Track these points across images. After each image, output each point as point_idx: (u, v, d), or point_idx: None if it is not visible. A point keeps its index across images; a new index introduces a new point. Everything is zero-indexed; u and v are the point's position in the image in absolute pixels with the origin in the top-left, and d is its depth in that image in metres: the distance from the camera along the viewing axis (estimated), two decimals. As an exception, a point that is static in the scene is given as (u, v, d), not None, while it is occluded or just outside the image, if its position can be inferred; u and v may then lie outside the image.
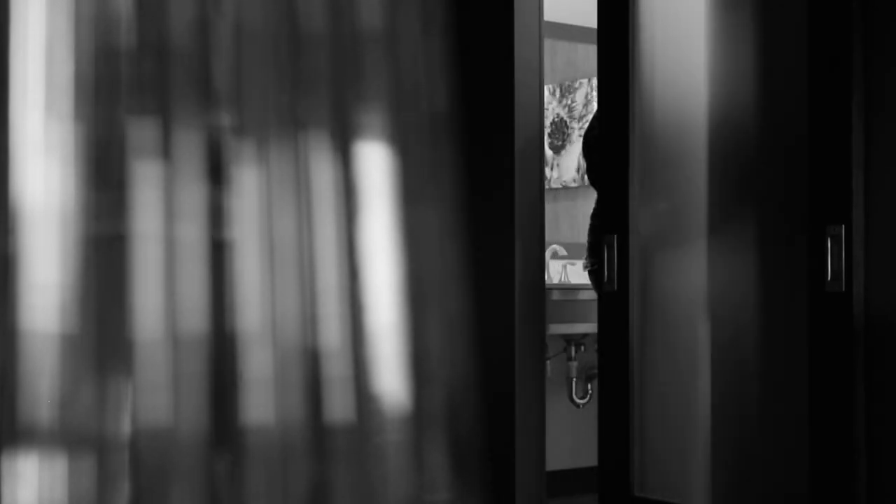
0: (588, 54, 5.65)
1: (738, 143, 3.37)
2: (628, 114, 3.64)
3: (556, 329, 4.94)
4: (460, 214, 3.67)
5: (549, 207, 5.59)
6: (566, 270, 5.48)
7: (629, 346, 3.62)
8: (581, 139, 5.61)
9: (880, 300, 3.03)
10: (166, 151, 3.10)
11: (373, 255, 3.42)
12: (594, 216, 4.63)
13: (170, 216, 3.09)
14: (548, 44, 5.53)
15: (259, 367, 3.21)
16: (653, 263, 3.60)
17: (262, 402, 3.22)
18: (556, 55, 5.58)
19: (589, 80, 5.57)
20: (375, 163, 3.44)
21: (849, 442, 3.04)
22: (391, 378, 3.43)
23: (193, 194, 3.13)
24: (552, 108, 5.63)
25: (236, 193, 3.21)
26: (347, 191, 3.37)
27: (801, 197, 3.19)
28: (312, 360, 3.30)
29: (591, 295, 5.03)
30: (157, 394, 3.06)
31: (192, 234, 3.13)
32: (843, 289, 3.06)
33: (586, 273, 4.94)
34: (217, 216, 3.17)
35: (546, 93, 5.63)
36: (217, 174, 3.18)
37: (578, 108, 5.60)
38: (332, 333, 3.33)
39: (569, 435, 5.25)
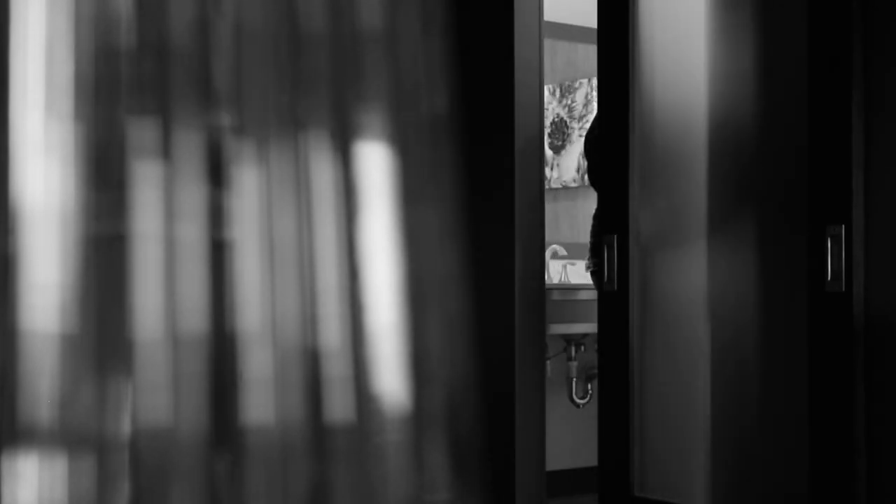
0: (588, 54, 5.65)
1: (738, 143, 3.37)
2: (628, 114, 3.64)
3: (556, 329, 4.94)
4: (460, 214, 3.67)
5: (549, 207, 5.59)
6: (566, 270, 5.48)
7: (629, 346, 3.62)
8: (581, 139, 5.60)
9: (880, 300, 3.03)
10: (166, 151, 3.10)
11: (373, 255, 3.42)
12: (596, 217, 4.63)
13: (170, 216, 3.09)
14: (548, 44, 5.53)
15: (259, 367, 3.21)
16: (653, 263, 3.60)
17: (262, 402, 3.22)
18: (556, 55, 5.59)
19: (589, 80, 5.57)
20: (375, 163, 3.44)
21: (849, 442, 3.04)
22: (391, 378, 3.43)
23: (193, 194, 3.13)
24: (552, 108, 5.63)
25: (236, 193, 3.21)
26: (347, 191, 3.37)
27: (801, 197, 3.19)
28: (312, 360, 3.30)
29: (591, 295, 5.03)
30: (157, 394, 3.06)
31: (192, 234, 3.13)
32: (843, 289, 3.06)
33: (589, 274, 4.94)
34: (217, 216, 3.17)
35: (546, 93, 5.63)
36: (217, 174, 3.18)
37: (578, 108, 5.60)
38: (332, 333, 3.33)
39: (569, 435, 5.25)
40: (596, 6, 5.55)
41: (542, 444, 3.98)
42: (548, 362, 5.19)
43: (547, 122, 5.61)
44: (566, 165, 5.61)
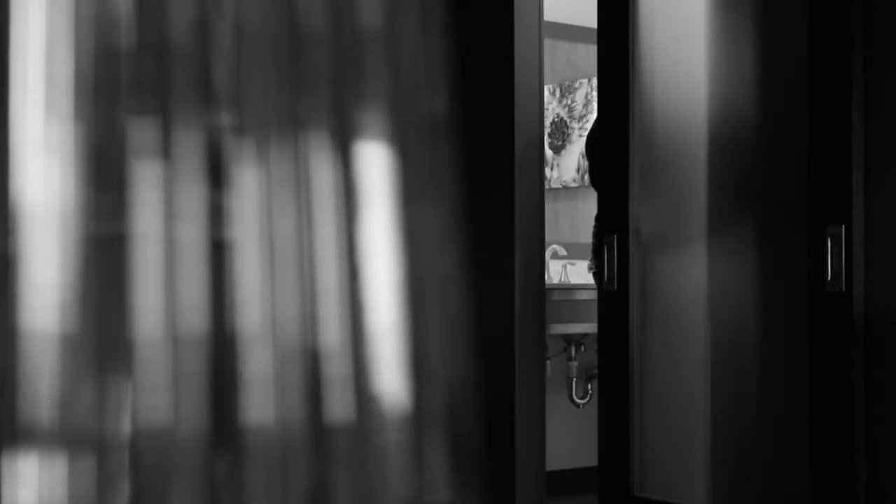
0: (588, 54, 5.65)
1: (738, 143, 3.37)
2: (628, 114, 3.64)
3: (556, 329, 4.94)
4: (460, 214, 3.67)
5: (549, 207, 5.59)
6: (566, 270, 5.48)
7: (629, 346, 3.62)
8: (581, 139, 5.60)
9: (880, 300, 3.03)
10: (166, 151, 3.10)
11: (373, 255, 3.42)
12: (598, 218, 4.63)
13: (170, 216, 3.09)
14: (548, 44, 5.53)
15: (259, 367, 3.21)
16: (653, 263, 3.60)
17: (262, 402, 3.22)
18: (556, 55, 5.58)
19: (589, 80, 5.57)
20: (375, 163, 3.44)
21: (849, 442, 3.04)
22: (391, 378, 3.43)
23: (193, 194, 3.13)
24: (552, 108, 5.63)
25: (236, 193, 3.21)
26: (347, 191, 3.37)
27: (801, 197, 3.19)
28: (312, 360, 3.30)
29: (591, 295, 5.03)
30: (157, 394, 3.06)
31: (192, 234, 3.13)
32: (843, 289, 3.06)
33: (591, 274, 4.94)
34: (217, 216, 3.17)
35: (546, 93, 5.63)
36: (217, 174, 3.18)
37: (578, 108, 5.60)
38: (332, 333, 3.33)
39: (569, 435, 5.25)
40: (596, 6, 5.55)
41: (542, 444, 3.98)
42: (548, 362, 5.19)
43: (547, 122, 5.61)
44: (566, 165, 5.61)
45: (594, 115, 5.58)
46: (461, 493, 3.59)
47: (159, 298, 3.06)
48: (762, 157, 3.31)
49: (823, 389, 3.09)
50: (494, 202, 3.80)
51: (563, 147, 5.63)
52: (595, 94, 5.56)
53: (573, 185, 5.58)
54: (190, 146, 3.13)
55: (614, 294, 3.66)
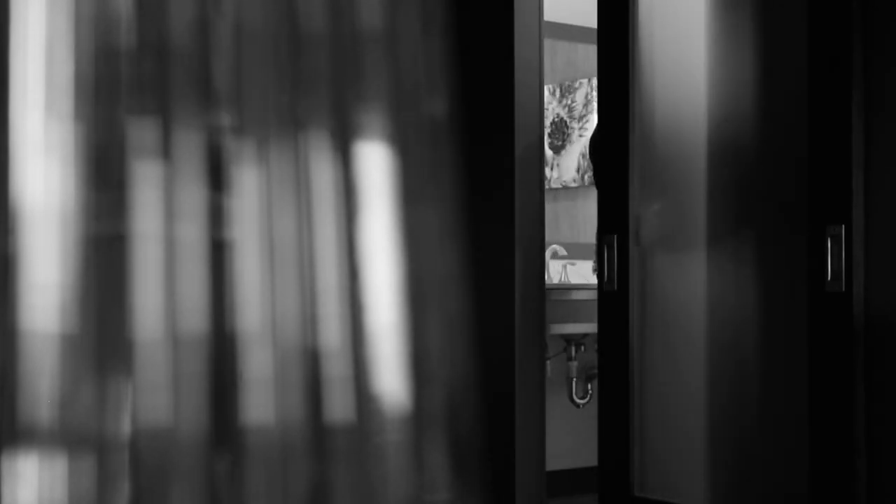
0: (588, 54, 5.65)
1: (738, 143, 3.37)
2: (628, 114, 3.64)
3: (556, 329, 4.94)
4: (460, 214, 3.67)
5: (549, 207, 5.59)
6: (566, 270, 5.48)
7: (629, 346, 3.62)
8: (581, 139, 5.60)
9: (880, 300, 3.03)
10: (166, 151, 3.10)
11: (373, 255, 3.42)
12: (597, 217, 4.61)
13: (170, 216, 3.09)
14: (548, 44, 5.53)
15: (259, 367, 3.21)
16: (653, 263, 3.60)
17: (262, 402, 3.22)
18: (556, 55, 5.58)
19: (589, 80, 5.57)
20: (375, 163, 3.44)
21: (849, 442, 3.04)
22: (391, 378, 3.43)
23: (193, 194, 3.13)
24: (552, 108, 5.63)
25: (236, 193, 3.21)
26: (347, 191, 3.37)
27: (801, 197, 3.19)
28: (312, 360, 3.30)
29: (591, 295, 5.03)
30: (157, 394, 3.06)
31: (192, 234, 3.13)
32: (843, 289, 3.06)
33: (595, 275, 4.94)
34: (217, 216, 3.17)
35: (546, 93, 5.63)
36: (217, 174, 3.18)
37: (578, 108, 5.60)
38: (332, 333, 3.33)
39: (569, 435, 5.25)
40: (596, 6, 5.55)
41: (542, 444, 3.98)
42: (548, 362, 5.19)
43: (547, 122, 5.61)
44: (566, 165, 5.61)
45: (594, 116, 5.58)
46: (461, 493, 3.59)
47: (159, 298, 3.06)
48: (762, 157, 3.31)
49: (823, 389, 3.09)
50: (494, 202, 3.80)
51: (563, 147, 5.63)
52: (595, 94, 5.56)
53: (573, 185, 5.58)
54: (190, 146, 3.13)
55: (614, 294, 3.66)
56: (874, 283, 3.04)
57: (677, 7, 3.55)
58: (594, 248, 5.56)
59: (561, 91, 5.63)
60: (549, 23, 5.52)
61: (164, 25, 3.10)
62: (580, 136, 5.61)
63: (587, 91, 5.58)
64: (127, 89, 3.05)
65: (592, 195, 5.53)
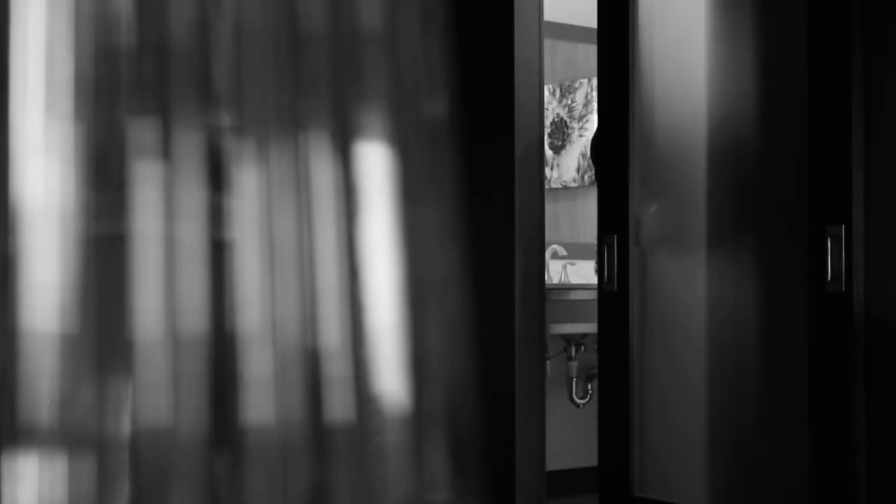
0: (588, 54, 5.65)
1: (738, 143, 3.37)
2: (628, 114, 3.64)
3: (556, 329, 4.94)
4: (460, 214, 3.67)
5: (549, 207, 5.59)
6: (566, 270, 5.48)
7: (629, 346, 3.62)
8: (581, 139, 5.60)
9: (880, 300, 3.03)
10: (166, 151, 3.10)
11: (373, 255, 3.42)
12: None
13: (170, 216, 3.09)
14: (548, 44, 5.53)
15: (259, 367, 3.21)
16: (653, 263, 3.60)
17: (262, 402, 3.22)
18: (556, 55, 5.58)
19: (589, 80, 5.57)
20: (375, 163, 3.44)
21: (849, 442, 3.04)
22: (391, 378, 3.43)
23: (193, 194, 3.13)
24: (552, 108, 5.63)
25: (236, 193, 3.21)
26: (347, 191, 3.37)
27: (801, 197, 3.19)
28: (312, 360, 3.30)
29: (591, 295, 5.03)
30: (157, 394, 3.06)
31: (192, 234, 3.13)
32: (843, 289, 3.06)
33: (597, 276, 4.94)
34: (217, 216, 3.17)
35: (546, 93, 5.63)
36: (217, 174, 3.18)
37: (578, 108, 5.60)
38: (332, 333, 3.33)
39: (569, 435, 5.25)
40: (596, 6, 5.55)
41: (542, 444, 3.98)
42: (548, 362, 5.19)
43: (547, 122, 5.61)
44: (566, 165, 5.61)
45: (594, 116, 5.58)
46: (461, 493, 3.59)
47: (159, 298, 3.06)
48: (762, 157, 3.31)
49: (823, 389, 3.09)
50: (494, 202, 3.80)
51: (563, 147, 5.63)
52: (595, 94, 5.56)
53: (573, 185, 5.58)
54: (190, 146, 3.13)
55: (614, 294, 3.66)
56: (874, 283, 3.04)
57: (677, 7, 3.54)
58: (594, 248, 5.56)
59: (561, 91, 5.63)
60: (549, 23, 5.52)
61: (164, 25, 3.10)
62: (580, 136, 5.61)
63: (587, 91, 5.58)
64: (127, 89, 3.05)
65: (592, 195, 5.53)
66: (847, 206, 3.06)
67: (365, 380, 3.38)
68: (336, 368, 3.33)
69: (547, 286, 4.98)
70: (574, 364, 5.17)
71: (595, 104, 5.57)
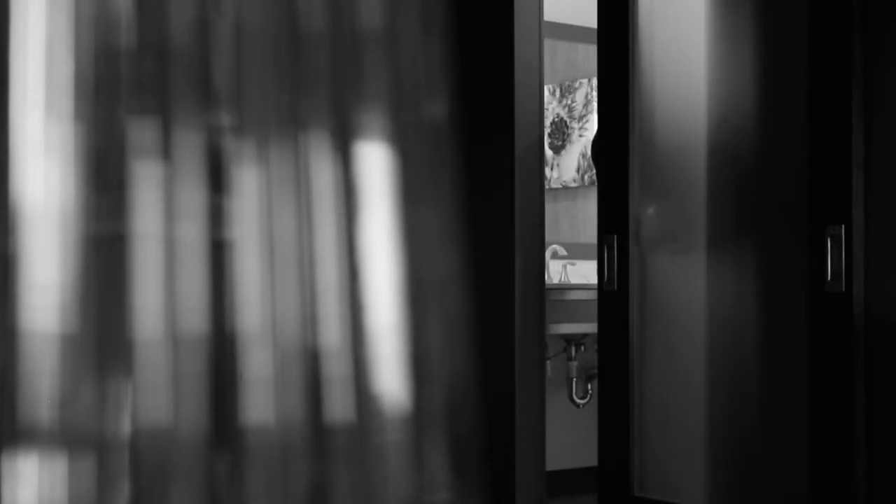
0: (588, 54, 5.65)
1: (738, 143, 3.37)
2: (628, 114, 3.64)
3: (556, 329, 4.94)
4: (460, 214, 3.67)
5: (549, 207, 5.59)
6: (566, 270, 5.48)
7: (629, 346, 3.62)
8: (581, 139, 5.60)
9: (880, 300, 3.03)
10: (166, 152, 3.10)
11: (373, 255, 3.42)
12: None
13: (170, 216, 3.09)
14: (548, 44, 5.53)
15: (259, 367, 3.21)
16: (653, 263, 3.60)
17: (262, 402, 3.22)
18: (556, 55, 5.58)
19: (589, 80, 5.57)
20: (375, 163, 3.44)
21: (849, 442, 3.04)
22: (391, 378, 3.43)
23: (193, 194, 3.13)
24: (552, 108, 5.63)
25: (236, 193, 3.21)
26: (347, 191, 3.37)
27: (801, 197, 3.19)
28: (312, 360, 3.30)
29: (591, 295, 5.03)
30: (157, 394, 3.06)
31: (192, 234, 3.13)
32: (843, 289, 3.06)
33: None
34: (217, 216, 3.17)
35: (546, 93, 5.63)
36: (217, 174, 3.18)
37: (578, 108, 5.60)
38: (332, 333, 3.33)
39: (569, 435, 5.25)
40: (596, 6, 5.55)
41: (542, 444, 3.98)
42: (548, 362, 5.19)
43: (547, 122, 5.61)
44: (566, 165, 5.61)
45: (594, 116, 5.58)
46: (461, 493, 3.59)
47: (159, 298, 3.06)
48: (762, 156, 3.31)
49: (823, 389, 3.09)
50: (494, 202, 3.80)
51: (563, 147, 5.63)
52: (595, 94, 5.56)
53: (573, 185, 5.58)
54: (190, 146, 3.13)
55: (614, 294, 3.66)
56: (874, 283, 3.04)
57: (677, 7, 3.54)
58: (594, 248, 5.56)
59: (561, 91, 5.63)
60: (549, 23, 5.52)
61: (164, 25, 3.10)
62: (580, 136, 5.61)
63: (587, 91, 5.58)
64: (127, 89, 3.05)
65: (592, 195, 5.53)
66: (847, 206, 3.06)
67: (365, 380, 3.38)
68: (336, 368, 3.33)
69: (547, 286, 4.98)
70: (574, 364, 5.17)
71: (595, 104, 5.57)
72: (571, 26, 5.61)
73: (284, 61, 3.29)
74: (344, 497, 3.34)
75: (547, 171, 5.65)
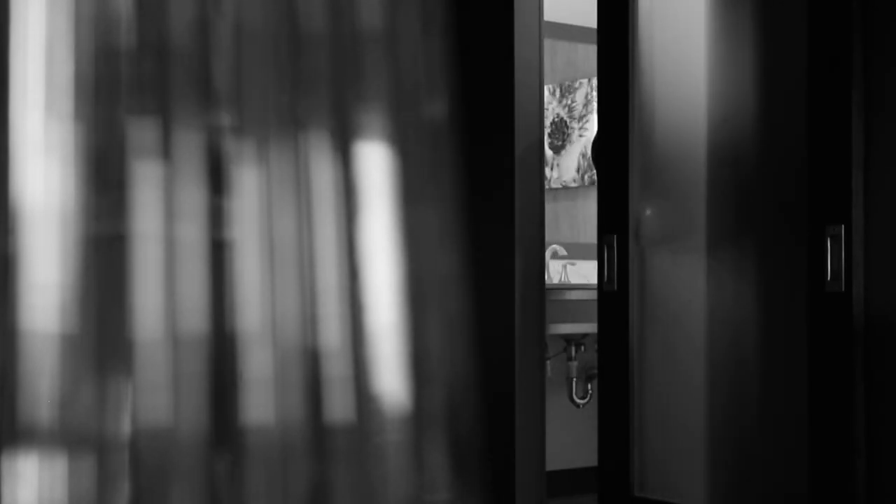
0: (588, 54, 5.65)
1: (738, 144, 3.37)
2: (628, 114, 3.64)
3: (556, 329, 4.94)
4: (460, 214, 3.67)
5: (549, 207, 5.59)
6: (566, 270, 5.48)
7: (629, 346, 3.62)
8: (581, 139, 5.60)
9: (880, 300, 3.03)
10: (166, 152, 3.10)
11: (373, 255, 3.42)
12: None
13: (170, 216, 3.09)
14: (548, 44, 5.53)
15: (259, 367, 3.21)
16: (653, 263, 3.60)
17: (262, 402, 3.22)
18: (556, 55, 5.58)
19: (589, 80, 5.57)
20: (375, 163, 3.44)
21: (849, 442, 3.04)
22: (391, 378, 3.43)
23: (193, 194, 3.13)
24: (552, 108, 5.63)
25: (236, 193, 3.21)
26: (347, 191, 3.37)
27: (801, 197, 3.19)
28: (312, 360, 3.30)
29: (591, 295, 5.03)
30: (157, 394, 3.06)
31: (192, 234, 3.13)
32: (843, 289, 3.06)
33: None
34: (217, 216, 3.17)
35: (546, 93, 5.63)
36: (217, 174, 3.18)
37: (578, 108, 5.60)
38: (332, 333, 3.33)
39: (569, 435, 5.25)
40: (596, 6, 5.55)
41: (542, 444, 3.98)
42: (548, 362, 5.19)
43: (547, 122, 5.61)
44: (566, 165, 5.61)
45: (594, 116, 5.58)
46: (461, 493, 3.59)
47: (159, 298, 3.06)
48: (762, 156, 3.31)
49: (823, 389, 3.09)
50: (494, 202, 3.80)
51: (563, 147, 5.63)
52: (595, 94, 5.56)
53: (573, 185, 5.58)
54: (190, 146, 3.13)
55: (614, 294, 3.66)
56: (874, 283, 3.04)
57: (677, 7, 3.54)
58: (594, 248, 5.56)
59: (561, 91, 5.63)
60: (549, 23, 5.52)
61: (164, 25, 3.10)
62: (580, 136, 5.61)
63: (587, 91, 5.58)
64: (127, 89, 3.05)
65: (592, 195, 5.53)
66: (847, 206, 3.06)
67: (365, 380, 3.38)
68: (336, 368, 3.33)
69: (547, 286, 4.98)
70: (574, 364, 5.17)
71: (595, 104, 5.57)
72: (571, 26, 5.61)
73: (284, 61, 3.29)
74: (344, 497, 3.34)
75: (547, 171, 5.65)
